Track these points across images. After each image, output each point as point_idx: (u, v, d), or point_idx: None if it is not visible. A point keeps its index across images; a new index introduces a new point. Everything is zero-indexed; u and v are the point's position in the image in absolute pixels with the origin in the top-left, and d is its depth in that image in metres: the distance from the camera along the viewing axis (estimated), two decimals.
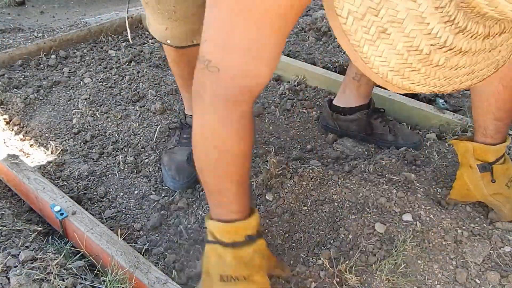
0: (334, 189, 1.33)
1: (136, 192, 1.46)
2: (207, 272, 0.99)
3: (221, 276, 0.96)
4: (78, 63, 2.23)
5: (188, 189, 1.44)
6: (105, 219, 1.38)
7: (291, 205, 1.32)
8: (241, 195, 0.95)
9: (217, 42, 0.81)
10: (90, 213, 1.30)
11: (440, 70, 0.64)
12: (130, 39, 1.47)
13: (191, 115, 1.52)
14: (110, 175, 1.54)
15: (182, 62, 1.39)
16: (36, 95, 1.94)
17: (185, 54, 1.34)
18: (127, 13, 1.41)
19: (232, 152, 0.90)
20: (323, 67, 2.08)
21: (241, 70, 0.82)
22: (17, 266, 1.08)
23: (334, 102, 1.66)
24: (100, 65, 2.20)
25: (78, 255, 1.19)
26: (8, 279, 1.04)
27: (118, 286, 1.06)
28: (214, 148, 0.90)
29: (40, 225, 1.34)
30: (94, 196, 1.46)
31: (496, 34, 0.63)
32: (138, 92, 1.93)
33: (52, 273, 1.06)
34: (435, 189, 1.34)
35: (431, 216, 1.23)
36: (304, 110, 1.81)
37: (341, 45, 0.67)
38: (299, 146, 1.63)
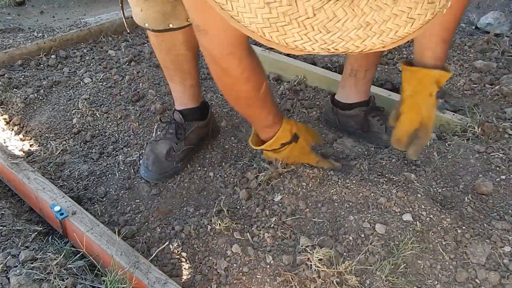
0: (334, 189, 1.33)
1: (136, 192, 1.46)
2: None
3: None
4: (78, 63, 2.23)
5: (158, 182, 1.47)
6: (105, 219, 1.37)
7: (291, 205, 1.32)
8: (268, 113, 1.24)
9: (195, 8, 0.95)
10: (90, 213, 1.30)
11: (317, 23, 0.60)
12: (126, 27, 1.50)
13: (179, 110, 1.54)
14: (110, 175, 1.54)
15: (163, 50, 1.43)
16: (36, 95, 1.93)
17: (165, 40, 1.39)
18: (123, 10, 1.42)
19: (245, 90, 1.13)
20: (323, 67, 2.08)
21: (223, 25, 0.90)
22: (17, 266, 1.08)
23: (335, 97, 1.68)
24: (100, 65, 2.20)
25: (78, 255, 1.19)
26: (8, 279, 1.04)
27: (118, 286, 1.06)
28: (231, 91, 1.17)
29: (40, 225, 1.34)
30: (94, 196, 1.46)
31: None
32: (138, 92, 1.93)
33: (52, 273, 1.07)
34: (435, 189, 1.34)
35: (431, 216, 1.23)
36: (304, 110, 1.81)
37: (211, 4, 0.65)
38: None
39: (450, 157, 1.47)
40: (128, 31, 1.56)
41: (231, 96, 1.21)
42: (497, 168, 1.43)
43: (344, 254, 1.17)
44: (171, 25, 1.34)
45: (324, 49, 0.63)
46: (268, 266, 1.18)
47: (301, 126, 1.37)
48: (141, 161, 1.54)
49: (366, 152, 1.56)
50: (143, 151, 1.56)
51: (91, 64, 2.21)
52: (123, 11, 1.42)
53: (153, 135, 1.68)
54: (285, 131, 1.31)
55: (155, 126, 1.72)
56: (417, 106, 1.18)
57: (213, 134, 1.65)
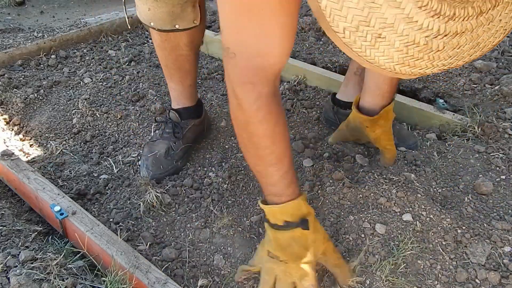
0: (334, 189, 1.33)
1: (136, 192, 1.46)
2: (262, 243, 1.11)
3: (268, 252, 1.06)
4: (78, 63, 2.23)
5: (159, 181, 1.47)
6: (105, 219, 1.37)
7: None
8: (279, 178, 1.00)
9: (231, 30, 0.90)
10: (90, 213, 1.30)
11: (443, 53, 0.70)
12: (128, 24, 1.51)
13: (176, 109, 1.54)
14: (110, 175, 1.54)
15: (166, 49, 1.42)
16: (36, 95, 1.93)
17: (168, 40, 1.39)
18: (125, 9, 1.42)
19: (256, 135, 0.97)
20: (323, 67, 2.08)
21: (253, 51, 0.89)
22: (17, 266, 1.08)
23: (337, 96, 1.68)
24: (100, 65, 2.20)
25: (78, 255, 1.19)
26: (8, 279, 1.04)
27: (118, 286, 1.06)
28: (243, 131, 1.00)
29: (40, 225, 1.34)
30: (94, 196, 1.46)
31: (489, 9, 0.68)
32: (138, 92, 1.93)
33: (52, 273, 1.07)
34: (435, 189, 1.34)
35: (431, 216, 1.23)
36: (304, 110, 1.81)
37: (345, 52, 0.72)
38: (298, 146, 1.63)
39: (450, 157, 1.47)
40: (130, 29, 1.57)
41: (242, 138, 1.02)
42: (497, 168, 1.43)
43: (344, 254, 1.17)
44: (177, 26, 1.33)
45: (439, 70, 0.73)
46: None
47: (319, 226, 1.08)
48: (140, 162, 1.54)
49: (366, 152, 1.56)
50: (141, 152, 1.56)
51: (91, 64, 2.21)
52: (125, 9, 1.42)
53: (151, 135, 1.68)
54: (294, 208, 1.02)
55: (152, 126, 1.72)
56: (390, 136, 1.41)
57: (207, 130, 1.66)
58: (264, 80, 0.93)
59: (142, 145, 1.61)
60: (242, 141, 1.02)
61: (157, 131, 1.66)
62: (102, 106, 1.85)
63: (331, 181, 1.36)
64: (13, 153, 1.47)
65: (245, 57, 0.91)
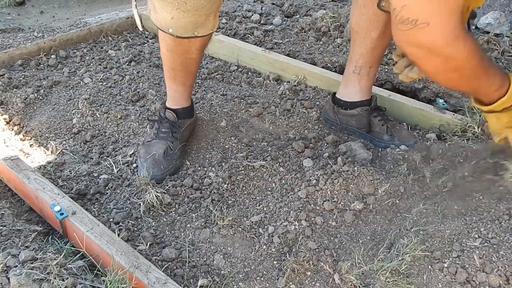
0: (334, 189, 1.33)
1: (135, 191, 1.46)
2: (493, 130, 1.24)
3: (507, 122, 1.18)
4: (78, 63, 2.23)
5: (159, 182, 1.46)
6: (105, 219, 1.37)
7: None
8: (493, 79, 1.12)
9: (421, 2, 0.96)
10: (90, 213, 1.30)
11: None
12: (140, 26, 1.48)
13: (172, 109, 1.55)
14: (110, 175, 1.53)
15: (177, 52, 1.41)
16: (36, 95, 1.93)
17: (182, 44, 1.37)
18: (136, 8, 1.41)
19: (470, 71, 1.07)
20: (323, 67, 2.08)
21: (448, 12, 0.95)
22: (17, 266, 1.08)
23: (336, 95, 1.68)
24: (100, 65, 2.20)
25: (78, 255, 1.19)
26: (8, 279, 1.04)
27: (118, 286, 1.06)
28: (453, 73, 1.07)
29: (40, 225, 1.34)
30: (94, 196, 1.46)
31: None
32: (138, 92, 1.93)
33: (52, 273, 1.07)
34: (435, 189, 1.34)
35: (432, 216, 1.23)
36: (304, 110, 1.81)
37: None
38: (299, 146, 1.63)
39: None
40: (142, 30, 1.56)
41: (452, 79, 1.11)
42: None
43: (345, 254, 1.17)
44: (196, 33, 1.32)
45: None
46: (270, 266, 1.18)
47: None
48: (137, 164, 1.53)
49: (369, 157, 1.56)
50: (137, 153, 1.56)
51: (91, 64, 2.21)
52: (136, 10, 1.41)
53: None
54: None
55: (147, 127, 1.71)
56: None
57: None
58: (463, 27, 0.98)
59: (137, 147, 1.60)
60: (451, 81, 1.12)
61: (149, 131, 1.64)
62: (102, 106, 1.85)
63: (331, 181, 1.36)
64: (14, 154, 1.47)
65: (441, 21, 0.96)
